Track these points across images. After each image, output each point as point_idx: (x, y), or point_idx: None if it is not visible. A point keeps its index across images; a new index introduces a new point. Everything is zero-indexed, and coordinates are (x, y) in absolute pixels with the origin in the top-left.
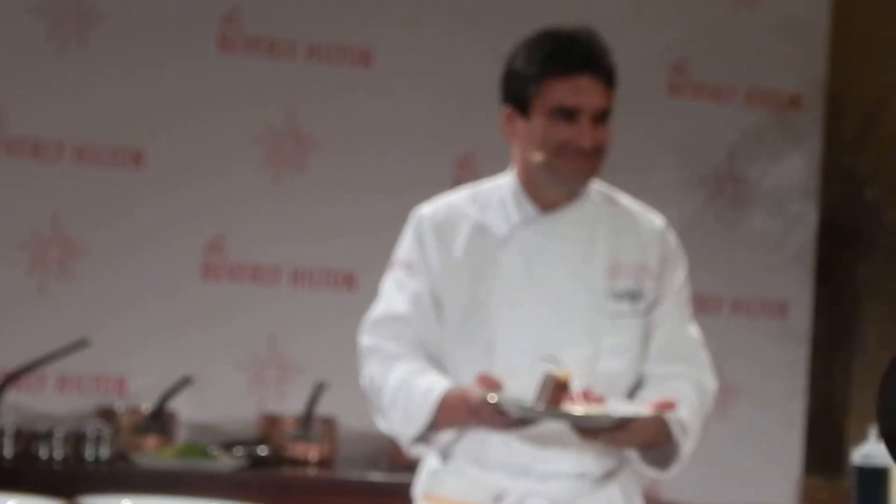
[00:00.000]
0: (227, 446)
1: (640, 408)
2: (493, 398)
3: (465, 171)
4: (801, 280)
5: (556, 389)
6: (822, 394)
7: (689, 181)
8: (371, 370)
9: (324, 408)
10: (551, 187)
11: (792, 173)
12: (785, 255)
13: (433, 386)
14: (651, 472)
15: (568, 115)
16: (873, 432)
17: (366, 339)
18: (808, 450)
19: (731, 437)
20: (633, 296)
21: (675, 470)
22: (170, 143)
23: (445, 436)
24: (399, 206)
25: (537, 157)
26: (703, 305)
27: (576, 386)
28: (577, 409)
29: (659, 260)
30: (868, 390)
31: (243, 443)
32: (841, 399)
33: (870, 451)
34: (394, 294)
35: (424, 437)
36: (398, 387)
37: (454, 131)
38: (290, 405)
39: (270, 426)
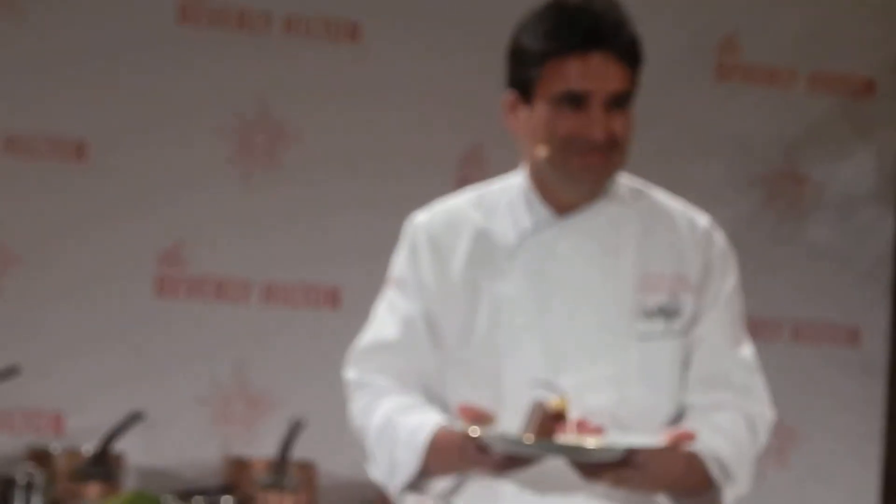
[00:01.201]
0: (185, 496)
1: (651, 438)
2: (474, 431)
3: (473, 168)
4: (876, 301)
5: (548, 419)
6: None
7: (741, 182)
8: (357, 410)
9: (301, 450)
10: (560, 188)
11: (864, 173)
12: (856, 272)
13: (422, 424)
14: None
15: (576, 101)
16: None
17: (351, 373)
18: (884, 502)
19: (792, 487)
20: (668, 313)
21: None
22: (117, 131)
23: (442, 483)
24: (393, 209)
25: (541, 152)
26: (757, 331)
27: (573, 416)
28: (572, 440)
29: (701, 268)
30: None
31: (204, 492)
32: None
33: None
34: (385, 318)
35: (417, 485)
36: (383, 426)
37: (460, 121)
38: (262, 447)
39: (237, 472)
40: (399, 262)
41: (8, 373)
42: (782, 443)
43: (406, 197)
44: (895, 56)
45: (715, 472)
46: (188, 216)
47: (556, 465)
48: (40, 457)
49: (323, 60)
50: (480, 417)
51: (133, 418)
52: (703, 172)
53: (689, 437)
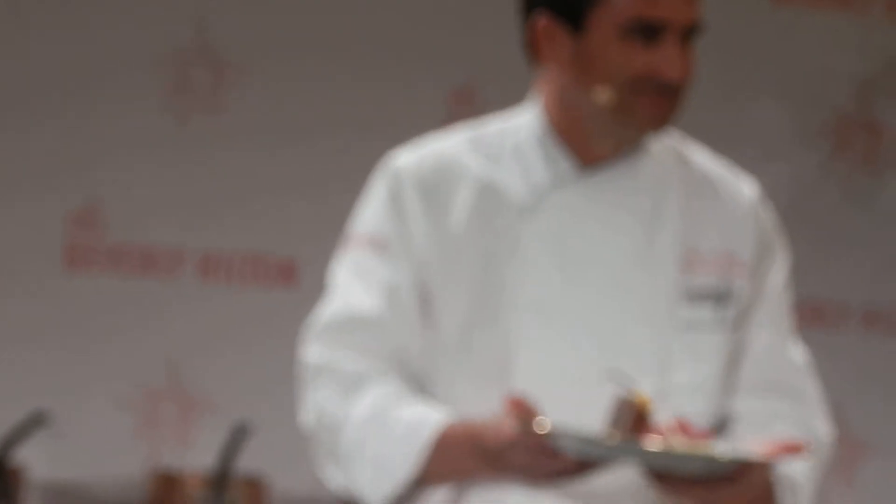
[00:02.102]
0: None
1: (759, 450)
2: (544, 425)
3: (462, 107)
4: None
5: (636, 419)
6: None
7: (802, 130)
8: (322, 400)
9: (246, 462)
10: (613, 138)
11: None
12: None
13: (424, 418)
14: None
15: (650, 32)
16: None
17: (314, 353)
18: None
19: None
20: (719, 298)
21: None
22: (20, 61)
23: (438, 495)
24: (364, 161)
25: (604, 94)
26: (819, 317)
27: (658, 417)
28: (678, 445)
29: (755, 247)
30: None
31: None
32: None
33: None
34: (354, 287)
35: (405, 496)
36: (368, 421)
37: (447, 51)
38: (197, 458)
39: (167, 489)
40: (373, 215)
41: None
42: (848, 457)
43: (379, 149)
44: None
45: (785, 494)
46: (108, 169)
47: (613, 477)
48: None
49: None
50: (532, 413)
51: (35, 421)
52: (756, 119)
53: (797, 449)
